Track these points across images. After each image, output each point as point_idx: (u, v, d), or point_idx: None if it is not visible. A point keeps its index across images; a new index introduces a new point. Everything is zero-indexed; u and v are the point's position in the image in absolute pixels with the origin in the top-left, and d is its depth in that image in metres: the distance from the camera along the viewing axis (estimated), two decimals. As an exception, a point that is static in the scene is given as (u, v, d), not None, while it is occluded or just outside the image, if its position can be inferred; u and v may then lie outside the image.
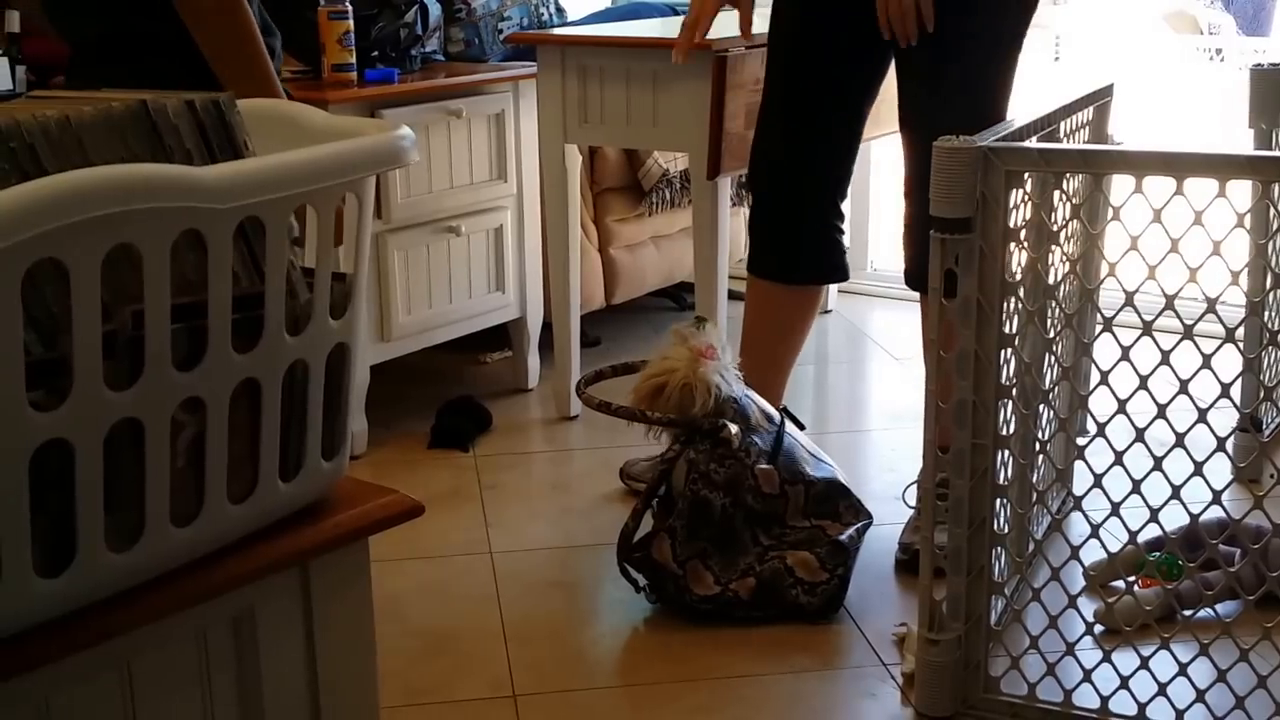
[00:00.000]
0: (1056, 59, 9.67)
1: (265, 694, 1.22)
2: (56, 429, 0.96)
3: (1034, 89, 5.69)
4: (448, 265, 3.68)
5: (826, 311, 4.87)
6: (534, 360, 4.04)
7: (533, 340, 4.02)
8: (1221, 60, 8.24)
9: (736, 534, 2.72)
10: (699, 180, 3.46)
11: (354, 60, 3.46)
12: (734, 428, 2.70)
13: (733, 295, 4.59)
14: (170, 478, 1.06)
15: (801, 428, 2.97)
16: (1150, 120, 6.78)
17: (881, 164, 5.14)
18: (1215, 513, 2.16)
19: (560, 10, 4.68)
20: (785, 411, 2.93)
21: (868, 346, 4.61)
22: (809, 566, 2.70)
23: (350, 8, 3.45)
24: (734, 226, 4.54)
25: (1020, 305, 2.23)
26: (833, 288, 4.90)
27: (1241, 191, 2.01)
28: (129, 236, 0.98)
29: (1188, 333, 2.02)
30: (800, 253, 3.07)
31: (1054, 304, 2.41)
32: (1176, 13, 8.59)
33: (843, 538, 2.74)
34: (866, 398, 4.30)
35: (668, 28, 4.23)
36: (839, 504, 2.81)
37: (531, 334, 4.00)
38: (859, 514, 2.83)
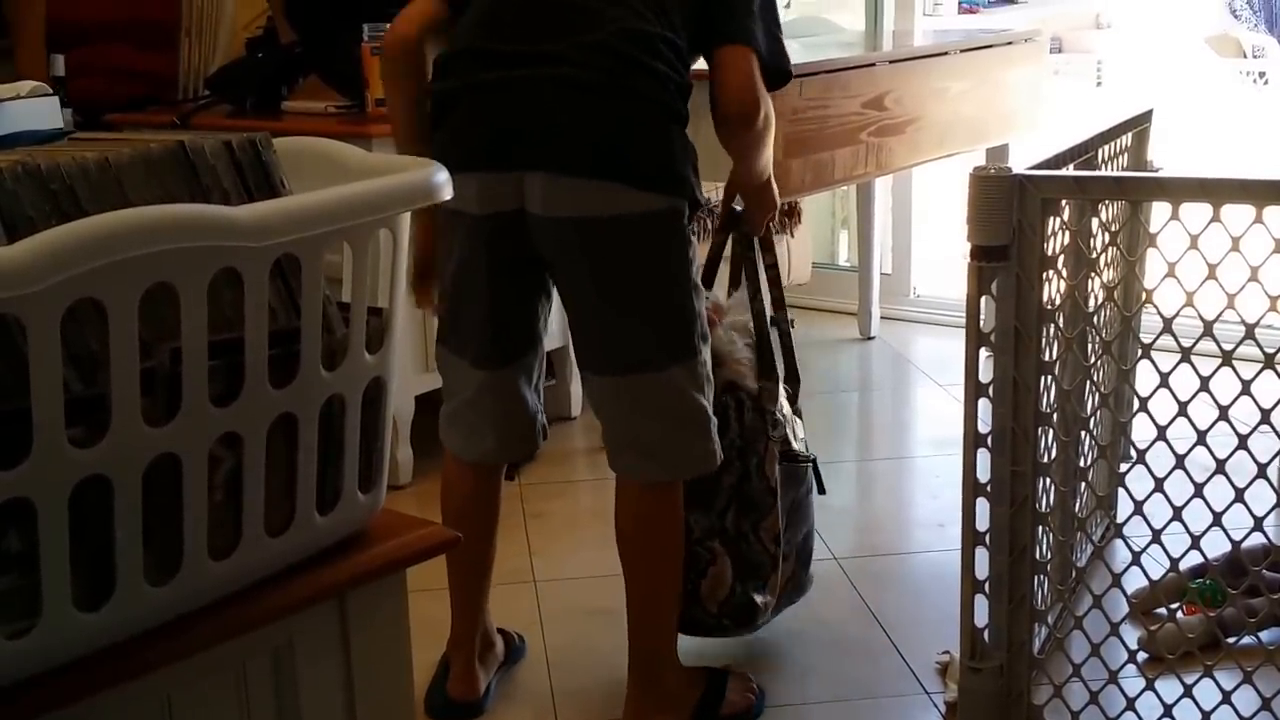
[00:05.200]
0: (1099, 84, 9.64)
1: (304, 724, 1.23)
2: (96, 465, 0.98)
3: (1076, 114, 5.69)
4: (491, 295, 3.70)
5: (870, 338, 4.87)
6: (577, 388, 4.06)
7: (576, 368, 4.02)
8: (1265, 83, 8.20)
9: (717, 489, 2.52)
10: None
11: (397, 94, 3.48)
12: (785, 401, 2.61)
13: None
14: (208, 512, 1.08)
15: (822, 492, 2.75)
16: (1194, 145, 6.75)
17: (924, 191, 5.14)
18: (1257, 539, 2.15)
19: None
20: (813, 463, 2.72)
21: (911, 372, 4.60)
22: (715, 591, 2.53)
23: (393, 42, 3.47)
24: (776, 254, 4.55)
25: (1059, 332, 2.23)
26: (876, 313, 4.90)
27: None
28: (166, 275, 1.00)
29: (1227, 358, 2.01)
30: None
31: (1093, 331, 2.40)
32: (1219, 36, 8.54)
33: (760, 600, 2.55)
34: (910, 424, 4.29)
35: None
36: (798, 556, 2.65)
37: (575, 362, 4.01)
38: (799, 588, 2.69)
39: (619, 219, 2.18)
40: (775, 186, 2.50)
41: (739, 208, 2.57)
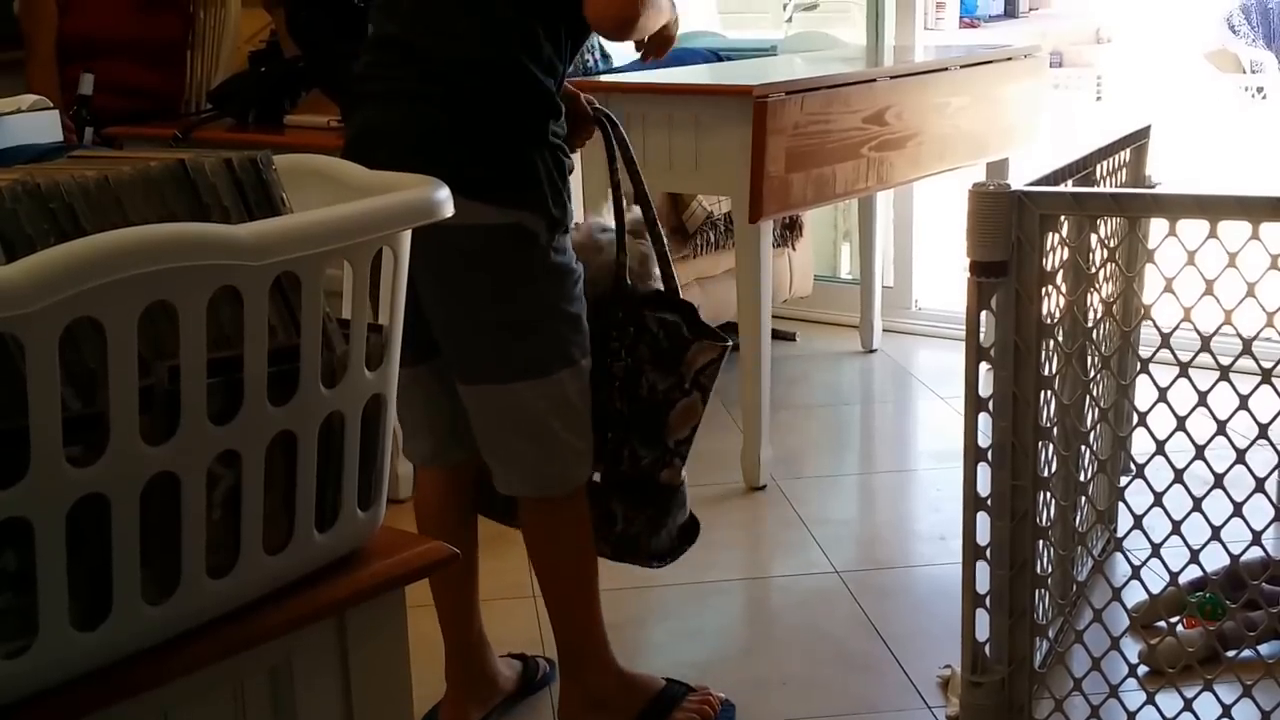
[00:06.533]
0: (1099, 99, 9.67)
1: (302, 743, 1.23)
2: (94, 484, 0.98)
3: (1076, 129, 5.71)
4: (493, 309, 3.70)
5: (872, 351, 4.87)
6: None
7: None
8: (1264, 98, 8.22)
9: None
10: (742, 223, 3.48)
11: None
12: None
13: (777, 335, 4.61)
14: (206, 530, 1.08)
15: None
16: (1193, 159, 6.77)
17: (926, 204, 5.15)
18: (1256, 552, 2.15)
19: (605, 56, 4.73)
20: None
21: (912, 385, 4.60)
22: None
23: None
24: (777, 267, 4.57)
25: (1058, 347, 2.23)
26: (878, 326, 4.91)
27: (1276, 233, 2.01)
28: (165, 294, 1.00)
29: (1224, 373, 2.02)
30: None
31: (1092, 345, 2.41)
32: (1218, 51, 8.57)
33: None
34: (911, 437, 4.29)
35: (710, 74, 4.27)
36: None
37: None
38: None
39: (453, 229, 2.13)
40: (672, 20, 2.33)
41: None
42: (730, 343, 2.41)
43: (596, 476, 2.37)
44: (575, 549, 2.38)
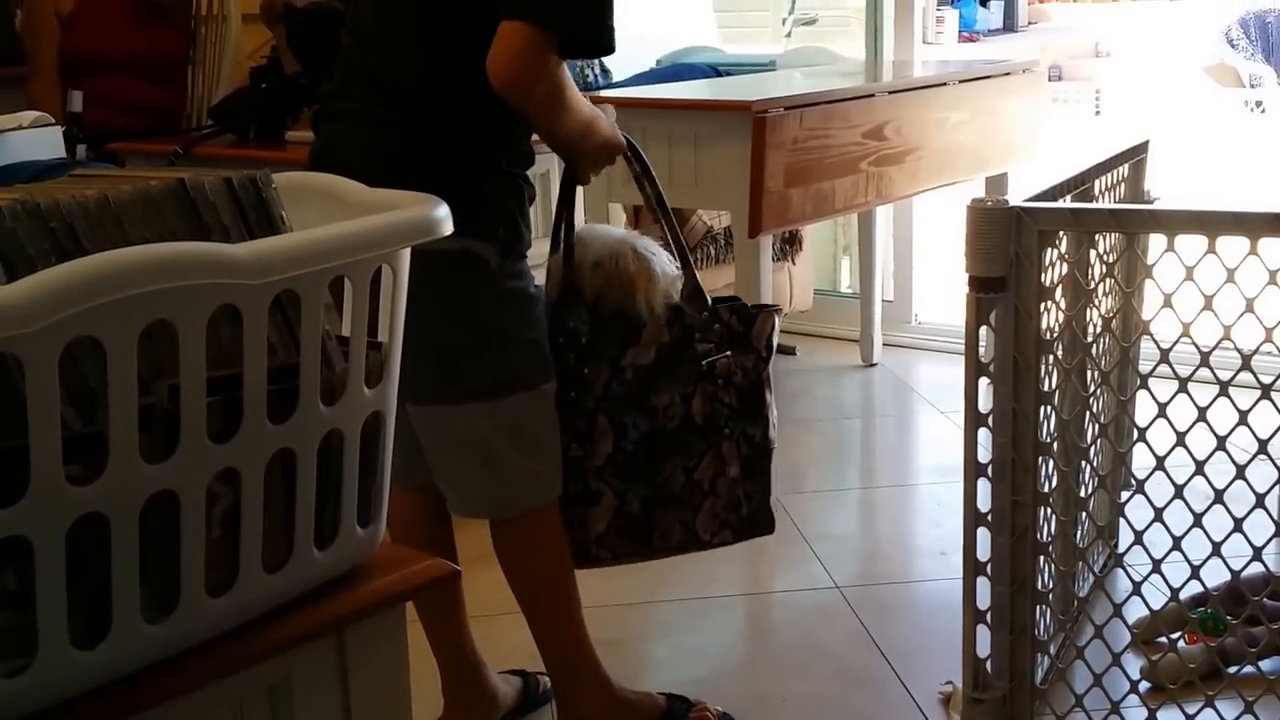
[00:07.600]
0: (1098, 113, 9.69)
1: (302, 761, 1.22)
2: (93, 502, 0.98)
3: (1075, 142, 5.72)
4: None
5: (872, 365, 4.88)
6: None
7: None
8: (1262, 112, 8.24)
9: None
10: (741, 238, 3.48)
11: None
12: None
13: (777, 349, 4.61)
14: (206, 548, 1.08)
15: None
16: (1192, 173, 6.78)
17: (925, 218, 5.15)
18: (1257, 568, 2.15)
19: (605, 71, 4.75)
20: None
21: (913, 399, 4.60)
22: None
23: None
24: (777, 281, 4.57)
25: (1057, 362, 2.23)
26: (878, 340, 4.91)
27: (1274, 248, 2.01)
28: (165, 313, 1.00)
29: (1224, 388, 2.02)
30: None
31: (1091, 361, 2.41)
32: (1217, 65, 8.59)
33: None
34: (912, 451, 4.29)
35: (709, 89, 4.28)
36: None
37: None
38: None
39: None
40: (607, 136, 2.34)
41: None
42: (778, 306, 2.54)
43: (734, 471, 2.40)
44: (547, 570, 2.37)
